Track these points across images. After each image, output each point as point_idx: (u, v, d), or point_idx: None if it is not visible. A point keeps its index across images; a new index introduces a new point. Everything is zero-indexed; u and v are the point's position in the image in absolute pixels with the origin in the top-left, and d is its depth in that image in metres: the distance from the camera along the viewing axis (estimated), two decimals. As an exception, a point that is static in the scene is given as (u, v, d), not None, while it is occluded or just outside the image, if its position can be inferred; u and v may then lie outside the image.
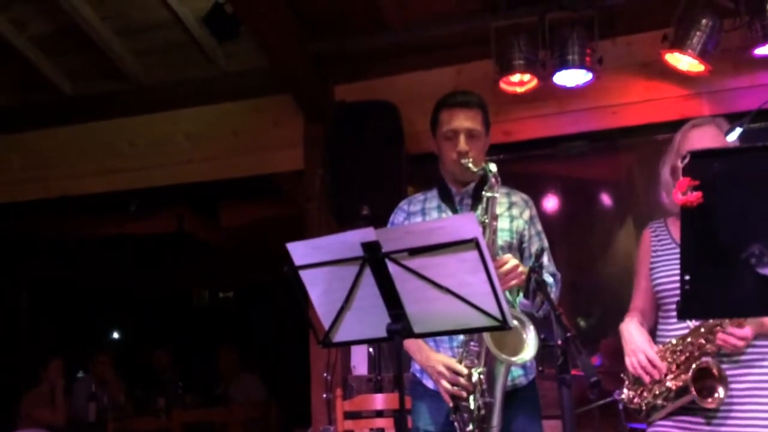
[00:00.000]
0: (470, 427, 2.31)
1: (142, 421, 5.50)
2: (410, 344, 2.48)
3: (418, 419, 2.53)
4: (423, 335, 2.03)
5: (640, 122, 3.85)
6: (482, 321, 1.91)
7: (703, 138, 2.38)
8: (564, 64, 3.62)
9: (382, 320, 1.95)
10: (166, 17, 4.29)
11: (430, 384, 2.51)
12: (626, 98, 3.86)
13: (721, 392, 2.20)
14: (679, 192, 1.51)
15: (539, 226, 2.61)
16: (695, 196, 1.49)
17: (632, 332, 2.41)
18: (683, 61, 3.55)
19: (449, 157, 2.52)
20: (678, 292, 2.29)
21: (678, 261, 2.32)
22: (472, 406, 2.32)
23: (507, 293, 2.37)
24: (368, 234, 1.87)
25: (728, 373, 2.22)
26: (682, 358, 2.28)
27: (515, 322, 2.23)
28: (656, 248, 2.48)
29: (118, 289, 7.92)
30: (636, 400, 2.37)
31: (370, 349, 4.02)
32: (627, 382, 2.41)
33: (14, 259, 6.48)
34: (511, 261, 2.33)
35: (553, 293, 2.49)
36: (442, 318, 1.94)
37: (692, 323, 2.30)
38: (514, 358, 2.29)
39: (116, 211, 5.76)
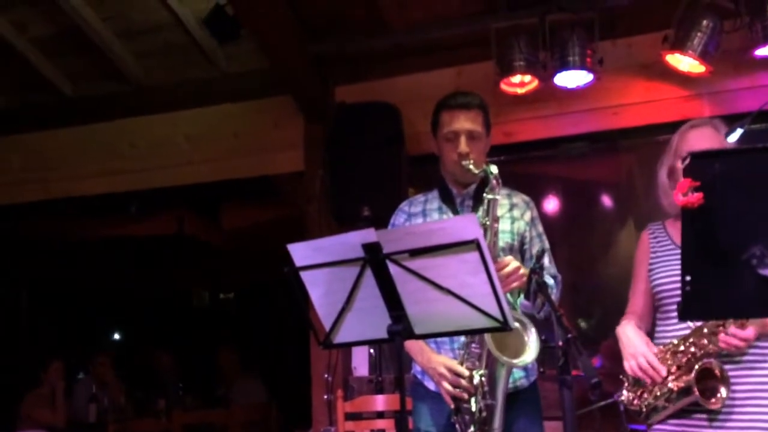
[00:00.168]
0: (471, 429, 2.31)
1: (143, 423, 5.50)
2: (411, 346, 2.48)
3: (419, 420, 2.53)
4: (424, 336, 2.03)
5: (641, 123, 3.85)
6: (483, 322, 1.92)
7: (700, 139, 2.38)
8: (564, 66, 3.62)
9: (383, 321, 1.95)
10: (166, 19, 4.30)
11: (431, 385, 2.51)
12: (627, 99, 3.86)
13: (723, 393, 2.19)
14: (679, 193, 1.51)
15: (540, 228, 2.61)
16: (696, 197, 1.49)
17: (630, 335, 2.41)
18: (684, 62, 3.55)
19: (450, 158, 2.52)
20: (677, 292, 2.31)
21: (677, 262, 2.35)
22: (473, 408, 2.32)
23: (508, 295, 2.37)
24: (369, 235, 1.87)
25: (730, 374, 2.21)
26: (684, 359, 2.28)
27: (517, 324, 2.24)
28: (655, 249, 2.48)
29: (118, 289, 7.92)
30: (636, 402, 2.37)
31: (371, 350, 4.02)
32: (626, 384, 2.41)
33: (14, 260, 6.48)
34: (512, 263, 2.33)
35: (554, 295, 2.49)
36: (442, 319, 1.95)
37: (693, 324, 2.30)
38: (515, 361, 2.29)
39: (117, 212, 5.77)
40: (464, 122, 2.50)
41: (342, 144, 4.01)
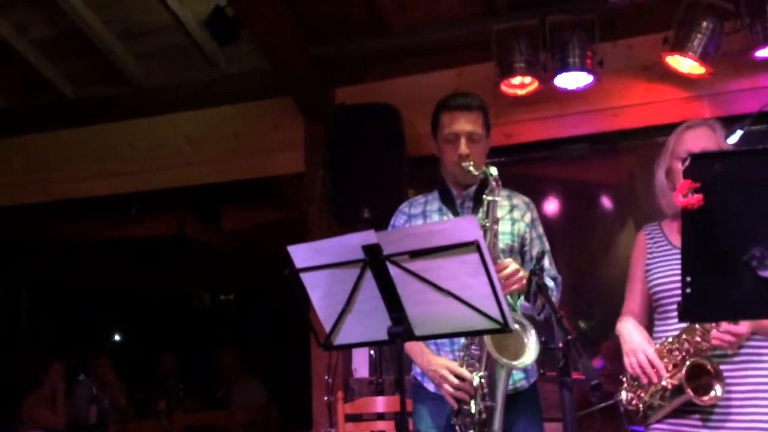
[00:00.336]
0: (471, 431, 2.31)
1: (143, 424, 5.51)
2: (411, 347, 2.48)
3: (419, 422, 2.53)
4: (424, 338, 2.03)
5: (641, 125, 3.85)
6: (483, 323, 1.92)
7: (697, 139, 2.38)
8: (565, 67, 3.62)
9: (383, 323, 1.95)
10: (167, 21, 4.30)
11: (430, 387, 2.51)
12: (627, 101, 3.86)
13: (718, 390, 2.19)
14: (680, 194, 1.51)
15: (540, 229, 2.61)
16: (696, 199, 1.49)
17: (631, 331, 2.40)
18: (684, 64, 3.55)
19: (450, 159, 2.52)
20: (674, 293, 2.32)
21: (674, 262, 2.36)
22: (473, 410, 2.32)
23: (508, 297, 2.37)
24: (369, 237, 1.87)
25: (726, 374, 2.21)
26: (679, 357, 2.28)
27: (516, 326, 2.24)
28: (652, 250, 2.48)
29: (119, 290, 7.92)
30: (634, 401, 2.37)
31: (372, 352, 4.02)
32: (625, 384, 2.41)
33: (14, 261, 6.48)
34: (511, 265, 2.33)
35: (554, 297, 2.49)
36: (443, 320, 1.95)
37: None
38: (515, 362, 2.29)
39: (117, 213, 5.77)
40: (464, 124, 2.50)
41: (342, 145, 4.01)
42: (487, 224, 2.38)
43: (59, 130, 4.91)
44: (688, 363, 2.22)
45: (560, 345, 1.86)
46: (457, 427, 2.35)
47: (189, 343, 8.03)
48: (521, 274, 2.32)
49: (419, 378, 2.58)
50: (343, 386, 3.93)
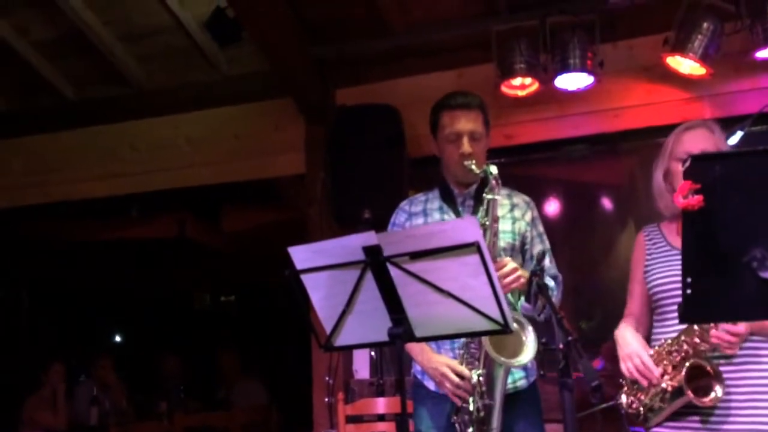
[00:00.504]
0: (470, 429, 2.32)
1: (144, 426, 5.51)
2: (412, 346, 2.49)
3: (420, 423, 2.53)
4: (424, 339, 2.03)
5: (642, 125, 3.85)
6: (484, 325, 1.92)
7: (695, 140, 2.38)
8: (565, 68, 3.62)
9: (384, 324, 1.95)
10: (168, 22, 4.30)
11: (431, 386, 2.51)
12: (627, 101, 3.86)
13: (718, 391, 2.19)
14: (680, 195, 1.51)
15: (541, 228, 2.62)
16: (696, 200, 1.49)
17: (627, 337, 2.41)
18: (684, 65, 3.55)
19: (452, 158, 2.53)
20: (674, 294, 2.33)
21: (673, 263, 2.36)
22: (471, 408, 2.32)
23: (509, 295, 2.38)
24: (369, 238, 1.87)
25: (725, 375, 2.21)
26: (678, 358, 2.27)
27: (515, 325, 2.24)
28: (650, 251, 2.48)
29: (119, 291, 7.92)
30: (634, 404, 2.37)
31: (372, 353, 4.02)
32: (625, 387, 2.41)
33: (15, 261, 6.48)
34: (509, 264, 2.34)
35: (555, 296, 2.50)
36: (443, 322, 1.95)
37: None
38: (512, 361, 2.29)
39: (118, 215, 5.77)
40: (466, 123, 2.51)
41: (343, 146, 4.01)
42: (488, 222, 2.39)
43: (60, 132, 4.91)
44: (687, 364, 2.22)
45: (561, 346, 1.86)
46: (456, 426, 2.35)
47: (189, 344, 8.03)
48: (520, 272, 2.33)
49: (419, 376, 2.58)
50: (344, 387, 3.93)
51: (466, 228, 1.83)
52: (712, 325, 2.19)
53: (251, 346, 7.58)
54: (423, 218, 2.62)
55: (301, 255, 1.96)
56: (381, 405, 3.37)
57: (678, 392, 2.24)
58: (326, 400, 3.90)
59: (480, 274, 1.83)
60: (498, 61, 3.73)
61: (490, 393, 2.32)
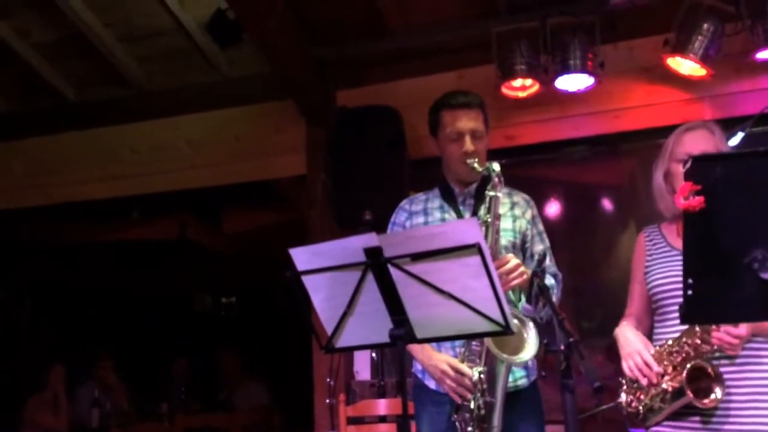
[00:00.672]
0: (470, 427, 2.31)
1: (146, 427, 5.51)
2: (412, 345, 2.48)
3: (421, 423, 2.53)
4: (425, 340, 2.03)
5: (642, 126, 3.85)
6: (485, 326, 1.92)
7: (695, 142, 2.38)
8: (566, 69, 3.62)
9: (385, 325, 1.95)
10: (168, 24, 4.31)
11: (431, 384, 2.51)
12: (628, 102, 3.86)
13: (718, 392, 2.19)
14: (681, 197, 1.51)
15: (541, 226, 2.63)
16: (697, 201, 1.49)
17: (628, 336, 2.41)
18: (685, 66, 3.55)
19: (454, 156, 2.53)
20: (674, 294, 2.33)
21: (673, 264, 2.36)
22: (472, 406, 2.32)
23: (510, 293, 2.38)
24: (370, 239, 1.87)
25: (726, 376, 2.21)
26: (679, 359, 2.27)
27: (515, 322, 2.24)
28: (651, 252, 2.49)
29: (120, 293, 7.92)
30: (634, 404, 2.37)
31: (373, 355, 4.02)
32: (625, 386, 2.41)
33: (16, 263, 6.48)
34: (512, 260, 2.34)
35: (555, 294, 2.51)
36: (444, 323, 1.94)
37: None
38: (514, 358, 2.29)
39: (119, 217, 5.77)
40: (467, 122, 2.52)
41: (343, 148, 4.01)
42: (489, 220, 2.39)
43: (60, 134, 4.92)
44: (689, 366, 2.22)
45: (562, 347, 1.86)
46: (457, 424, 2.35)
47: (190, 345, 8.03)
48: (522, 269, 2.33)
49: (420, 375, 2.58)
50: (345, 389, 3.93)
51: (466, 229, 1.83)
52: (713, 326, 2.19)
53: (252, 348, 7.56)
54: (423, 217, 2.62)
55: (302, 256, 1.96)
56: (382, 406, 3.37)
57: (678, 393, 2.24)
58: (327, 401, 3.89)
59: (481, 275, 1.83)
60: (498, 62, 3.73)
61: (491, 391, 2.32)
